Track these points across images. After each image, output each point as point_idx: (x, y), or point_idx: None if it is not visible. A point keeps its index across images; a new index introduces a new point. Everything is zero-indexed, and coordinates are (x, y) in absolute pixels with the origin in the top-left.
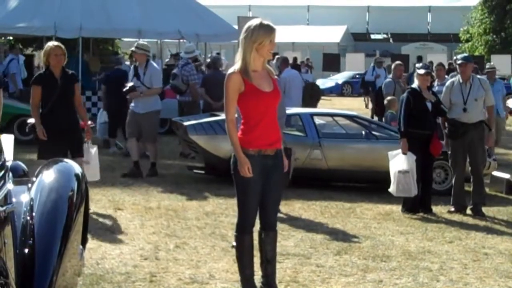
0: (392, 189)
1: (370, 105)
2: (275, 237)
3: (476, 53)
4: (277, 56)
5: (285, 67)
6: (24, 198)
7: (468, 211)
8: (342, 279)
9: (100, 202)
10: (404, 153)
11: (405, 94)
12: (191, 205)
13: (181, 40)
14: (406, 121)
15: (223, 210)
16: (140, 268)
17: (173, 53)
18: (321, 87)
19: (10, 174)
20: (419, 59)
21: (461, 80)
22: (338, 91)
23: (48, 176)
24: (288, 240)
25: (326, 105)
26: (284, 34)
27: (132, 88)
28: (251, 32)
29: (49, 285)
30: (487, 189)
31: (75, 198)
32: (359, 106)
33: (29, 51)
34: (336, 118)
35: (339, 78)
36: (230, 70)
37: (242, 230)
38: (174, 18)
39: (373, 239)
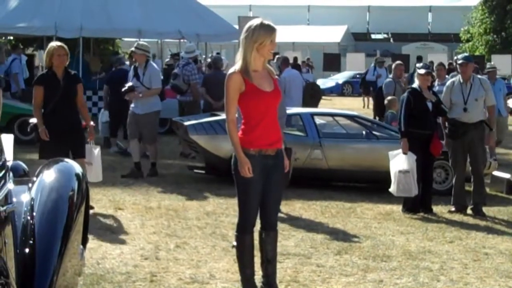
0: (392, 189)
1: (371, 105)
2: (275, 237)
3: (477, 53)
4: (277, 56)
5: (285, 67)
6: (25, 198)
7: (469, 211)
8: (343, 279)
9: (101, 202)
10: (404, 153)
11: (405, 94)
12: (191, 205)
13: (182, 40)
14: (407, 121)
15: (223, 210)
16: (141, 268)
17: (173, 53)
18: (322, 87)
19: (11, 174)
20: (420, 59)
21: (461, 80)
22: (338, 91)
23: (49, 176)
24: (288, 240)
25: (326, 105)
26: (284, 34)
27: (131, 89)
28: (251, 32)
29: (50, 285)
30: (487, 189)
31: (76, 198)
32: (359, 106)
33: (29, 51)
34: (336, 118)
35: (340, 78)
36: (231, 70)
37: (243, 230)
38: (174, 18)
39: (373, 239)
